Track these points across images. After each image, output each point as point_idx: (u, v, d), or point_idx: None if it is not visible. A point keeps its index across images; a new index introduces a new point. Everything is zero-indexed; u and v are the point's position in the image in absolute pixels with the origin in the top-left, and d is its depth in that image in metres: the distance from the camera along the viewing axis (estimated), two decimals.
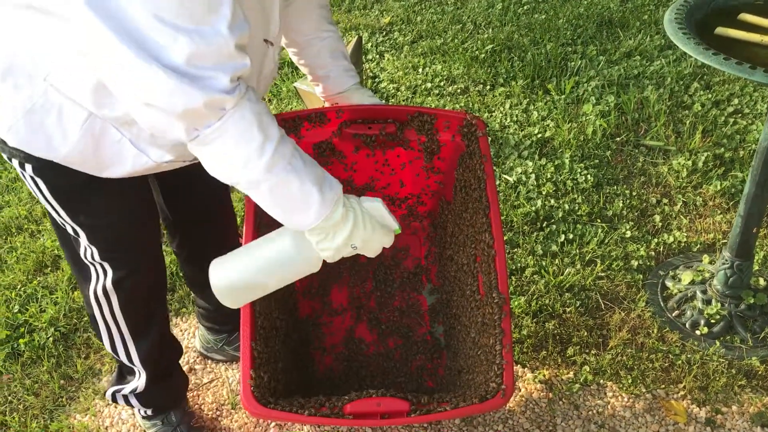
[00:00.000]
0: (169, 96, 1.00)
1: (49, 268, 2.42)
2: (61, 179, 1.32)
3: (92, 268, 1.51)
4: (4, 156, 1.32)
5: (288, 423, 1.88)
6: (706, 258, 2.26)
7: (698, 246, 2.37)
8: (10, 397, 2.01)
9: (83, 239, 1.43)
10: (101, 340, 1.64)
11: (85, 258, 1.49)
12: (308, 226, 1.27)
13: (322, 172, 1.26)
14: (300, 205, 1.24)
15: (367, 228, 1.33)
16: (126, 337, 1.61)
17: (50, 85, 1.17)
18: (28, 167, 1.30)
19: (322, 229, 1.29)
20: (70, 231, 1.43)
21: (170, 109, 1.02)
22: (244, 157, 1.13)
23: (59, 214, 1.39)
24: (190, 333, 2.17)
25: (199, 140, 1.09)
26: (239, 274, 1.39)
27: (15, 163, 1.31)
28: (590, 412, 1.89)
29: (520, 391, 1.95)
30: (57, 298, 2.28)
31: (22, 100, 1.19)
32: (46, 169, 1.29)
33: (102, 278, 1.51)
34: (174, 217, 1.74)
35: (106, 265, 1.49)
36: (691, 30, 1.69)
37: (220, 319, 2.00)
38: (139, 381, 1.70)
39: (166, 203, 1.71)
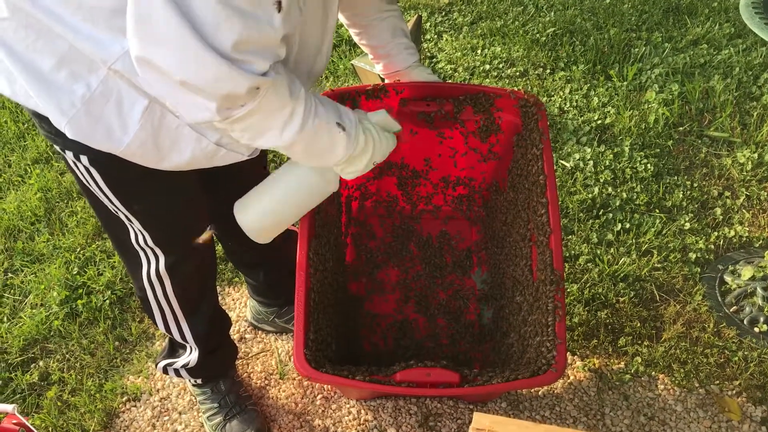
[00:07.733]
0: (215, 80, 0.99)
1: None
2: (117, 171, 1.29)
3: (143, 254, 1.49)
4: (57, 148, 1.28)
5: (335, 395, 1.90)
6: None
7: (760, 241, 2.29)
8: (68, 356, 2.07)
9: (135, 225, 1.41)
10: (154, 321, 1.64)
11: (136, 243, 1.47)
12: (337, 162, 1.34)
13: (336, 106, 1.30)
14: (330, 148, 1.30)
15: (382, 142, 1.40)
16: (179, 317, 1.62)
17: (114, 72, 1.11)
18: (84, 158, 1.26)
19: (348, 159, 1.35)
20: (122, 218, 1.41)
21: (213, 92, 1.01)
22: (279, 126, 1.17)
23: (112, 202, 1.36)
24: (241, 302, 2.21)
25: (231, 120, 1.09)
26: (264, 209, 1.45)
27: (69, 155, 1.27)
28: (640, 404, 1.86)
29: (569, 378, 1.92)
30: (114, 262, 2.33)
31: (80, 89, 1.14)
32: (103, 160, 1.26)
33: (154, 263, 1.50)
34: (216, 199, 1.65)
35: (158, 251, 1.48)
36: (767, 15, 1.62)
37: (270, 293, 2.02)
38: (191, 356, 1.73)
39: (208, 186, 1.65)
